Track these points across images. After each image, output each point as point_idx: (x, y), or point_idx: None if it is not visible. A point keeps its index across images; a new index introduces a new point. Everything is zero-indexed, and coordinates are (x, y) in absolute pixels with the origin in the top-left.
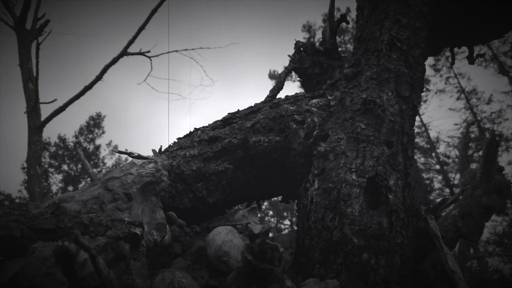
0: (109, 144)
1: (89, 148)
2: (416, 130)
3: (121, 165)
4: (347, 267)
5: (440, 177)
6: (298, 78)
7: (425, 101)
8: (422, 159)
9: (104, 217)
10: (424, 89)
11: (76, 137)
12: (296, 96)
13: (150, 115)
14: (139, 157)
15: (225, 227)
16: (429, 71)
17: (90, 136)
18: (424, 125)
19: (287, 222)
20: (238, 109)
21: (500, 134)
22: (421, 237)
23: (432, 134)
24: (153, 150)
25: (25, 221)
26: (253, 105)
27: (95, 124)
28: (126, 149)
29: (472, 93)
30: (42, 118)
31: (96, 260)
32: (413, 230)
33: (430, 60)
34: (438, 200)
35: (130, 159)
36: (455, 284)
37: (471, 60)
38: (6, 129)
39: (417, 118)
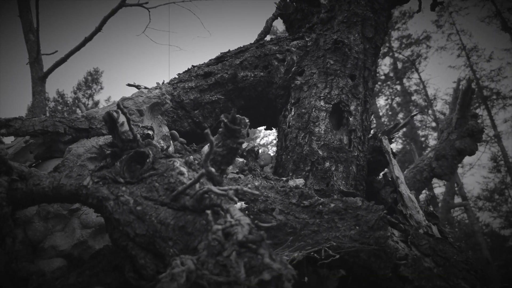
0: (107, 100)
1: (88, 104)
2: (414, 87)
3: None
4: (313, 173)
5: (435, 134)
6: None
7: (425, 58)
8: (419, 116)
9: None
10: (425, 46)
11: (75, 92)
12: (278, 38)
13: (147, 70)
14: (146, 88)
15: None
16: (431, 27)
17: (89, 92)
18: (422, 82)
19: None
20: (229, 49)
21: (498, 92)
22: (377, 154)
23: (430, 92)
24: (157, 83)
25: (66, 122)
26: (242, 46)
27: (93, 79)
28: (134, 83)
29: (473, 50)
30: (45, 69)
31: (129, 121)
32: (371, 148)
33: (432, 16)
34: (392, 124)
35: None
36: (398, 186)
37: (433, 7)
38: (8, 80)
39: (416, 75)
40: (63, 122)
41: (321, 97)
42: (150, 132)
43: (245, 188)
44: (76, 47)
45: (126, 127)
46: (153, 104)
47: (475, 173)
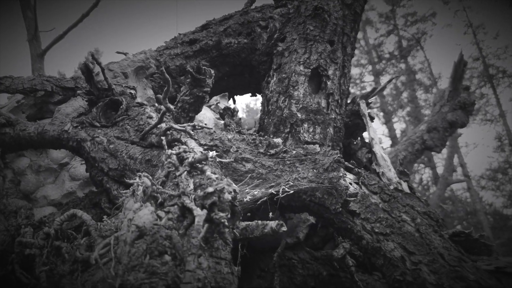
0: None
1: None
2: (419, 66)
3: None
4: (292, 135)
5: None
6: None
7: (431, 36)
8: (423, 96)
9: None
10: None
11: (76, 73)
12: (262, 6)
13: (147, 45)
14: (133, 55)
15: None
16: (437, 4)
17: None
18: (427, 60)
19: None
20: (214, 18)
21: (504, 71)
22: (355, 117)
23: (435, 70)
24: (143, 50)
25: (53, 81)
26: (227, 14)
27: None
28: (123, 51)
29: (479, 28)
30: (43, 47)
31: (104, 71)
32: (350, 112)
33: None
34: (369, 89)
35: None
36: (372, 146)
37: None
38: (7, 58)
39: (421, 53)
40: (50, 81)
41: (301, 62)
42: (133, 92)
43: (201, 124)
44: (73, 24)
45: (101, 76)
46: (137, 68)
47: (479, 153)
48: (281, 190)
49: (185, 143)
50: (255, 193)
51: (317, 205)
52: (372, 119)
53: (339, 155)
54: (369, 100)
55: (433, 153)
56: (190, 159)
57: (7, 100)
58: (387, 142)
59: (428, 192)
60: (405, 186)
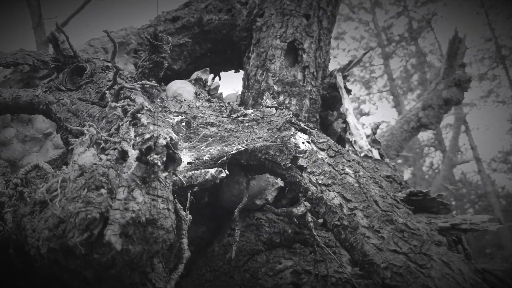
0: None
1: None
2: (429, 47)
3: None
4: None
5: None
6: None
7: (442, 16)
8: (433, 78)
9: None
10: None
11: None
12: None
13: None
14: (114, 32)
15: (180, 80)
16: None
17: None
18: (437, 41)
19: None
20: None
21: None
22: (332, 90)
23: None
24: (124, 27)
25: (35, 56)
26: None
27: None
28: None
29: (492, 8)
30: (48, 34)
31: (68, 39)
32: (327, 85)
33: None
34: (346, 62)
35: None
36: (346, 116)
37: None
38: (14, 45)
39: (431, 35)
40: (31, 55)
41: (277, 36)
42: (109, 64)
43: (149, 82)
44: (76, 10)
45: (67, 44)
46: (118, 44)
47: (490, 135)
48: (235, 148)
49: (134, 100)
50: (211, 151)
51: (271, 162)
52: (349, 91)
53: (291, 116)
54: (346, 73)
55: (444, 136)
56: (131, 111)
57: None
58: None
59: (439, 175)
60: (375, 153)
